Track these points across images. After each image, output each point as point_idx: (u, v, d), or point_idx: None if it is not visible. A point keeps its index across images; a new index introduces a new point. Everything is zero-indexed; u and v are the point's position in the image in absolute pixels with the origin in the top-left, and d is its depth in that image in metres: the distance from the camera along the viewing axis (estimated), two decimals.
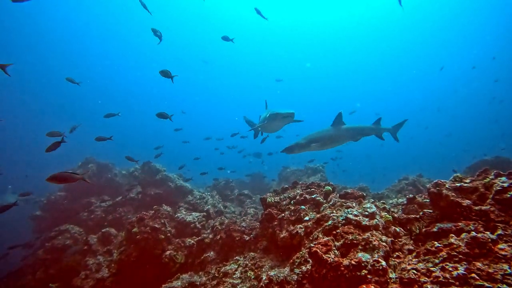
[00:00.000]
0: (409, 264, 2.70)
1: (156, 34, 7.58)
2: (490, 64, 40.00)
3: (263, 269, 4.46)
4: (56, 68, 43.32)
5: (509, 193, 3.06)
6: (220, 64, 54.42)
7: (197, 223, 7.73)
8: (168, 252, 6.52)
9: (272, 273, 3.89)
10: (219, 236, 6.28)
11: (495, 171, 3.50)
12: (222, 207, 9.72)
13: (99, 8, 42.59)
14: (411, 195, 4.94)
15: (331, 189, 5.65)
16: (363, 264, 2.85)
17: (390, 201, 6.67)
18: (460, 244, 2.58)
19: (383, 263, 2.76)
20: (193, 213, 8.18)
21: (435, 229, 3.44)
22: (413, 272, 2.52)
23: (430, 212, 4.02)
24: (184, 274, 5.43)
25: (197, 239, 6.84)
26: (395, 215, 4.30)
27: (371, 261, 2.85)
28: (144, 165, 11.08)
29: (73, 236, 8.47)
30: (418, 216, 4.15)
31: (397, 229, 3.90)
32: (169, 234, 6.98)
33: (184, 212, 8.16)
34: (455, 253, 2.52)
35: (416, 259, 2.76)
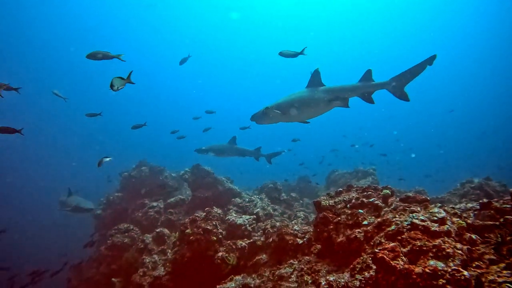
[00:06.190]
0: (498, 277, 2.38)
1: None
2: None
3: (320, 274, 4.28)
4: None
5: None
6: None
7: (247, 225, 7.73)
8: (220, 254, 6.57)
9: (331, 278, 3.72)
10: (271, 239, 6.19)
11: None
12: (271, 210, 9.64)
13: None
14: (485, 200, 4.44)
15: (389, 192, 5.30)
16: (439, 273, 2.58)
17: (457, 206, 6.08)
18: None
19: (466, 273, 2.47)
20: (243, 216, 8.21)
21: None
22: (508, 286, 2.22)
23: None
24: (237, 276, 5.41)
25: (249, 241, 6.82)
26: (469, 221, 3.89)
27: (450, 270, 2.56)
28: (193, 168, 11.43)
29: (131, 235, 8.96)
30: (497, 223, 3.70)
31: (473, 236, 3.51)
32: (220, 236, 7.06)
33: (234, 215, 8.22)
34: None
35: (509, 272, 2.42)
